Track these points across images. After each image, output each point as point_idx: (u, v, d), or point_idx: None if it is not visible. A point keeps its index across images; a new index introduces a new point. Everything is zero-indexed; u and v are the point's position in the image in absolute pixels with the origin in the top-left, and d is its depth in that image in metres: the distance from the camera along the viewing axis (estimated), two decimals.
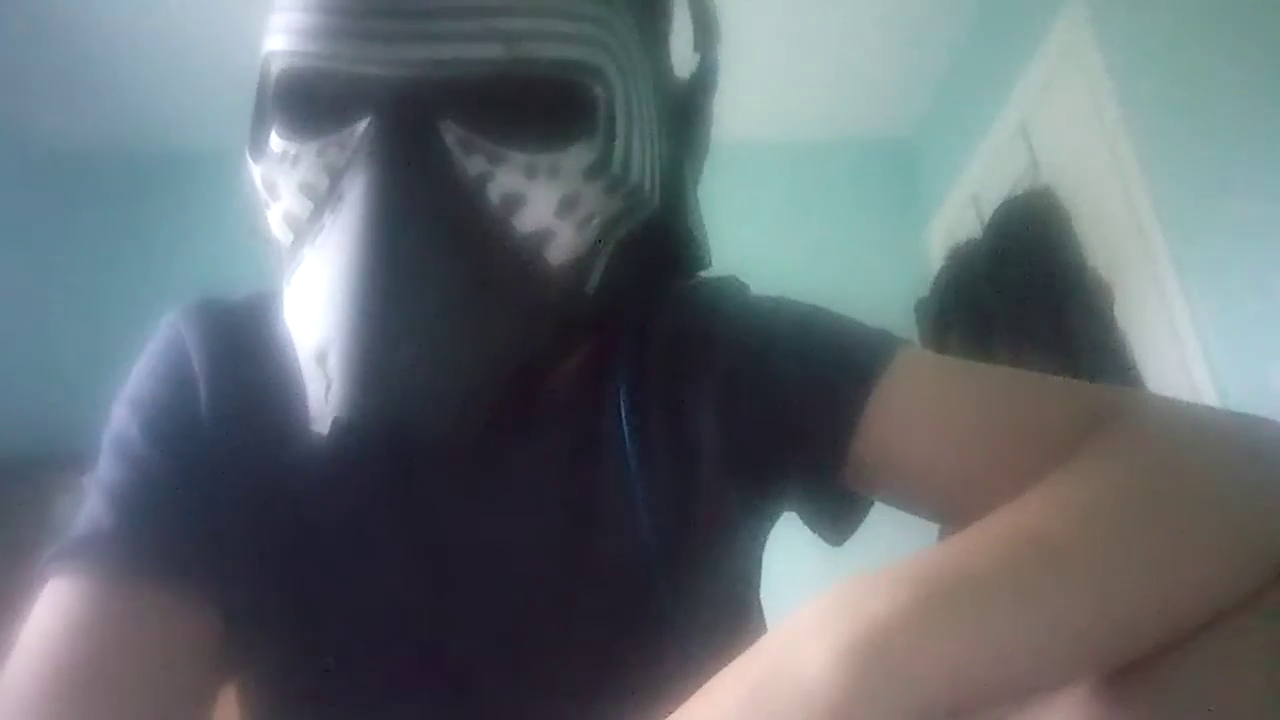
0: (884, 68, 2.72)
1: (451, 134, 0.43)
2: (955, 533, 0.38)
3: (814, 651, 0.30)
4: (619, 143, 0.46)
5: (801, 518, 0.58)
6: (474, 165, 0.44)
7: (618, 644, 0.53)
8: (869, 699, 0.29)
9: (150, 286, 2.31)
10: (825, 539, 0.58)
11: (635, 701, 0.39)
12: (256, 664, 0.53)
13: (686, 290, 0.60)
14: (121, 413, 0.52)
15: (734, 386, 0.55)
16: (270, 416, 0.50)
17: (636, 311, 0.58)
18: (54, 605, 0.46)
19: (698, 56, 0.54)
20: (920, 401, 0.51)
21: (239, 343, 0.53)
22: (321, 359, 0.42)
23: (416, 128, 0.43)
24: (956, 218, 2.65)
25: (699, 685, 0.33)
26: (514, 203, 0.44)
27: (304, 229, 0.45)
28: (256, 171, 0.48)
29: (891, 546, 0.61)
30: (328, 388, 0.42)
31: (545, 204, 0.45)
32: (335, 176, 0.44)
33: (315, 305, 0.43)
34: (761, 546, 0.61)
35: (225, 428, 0.51)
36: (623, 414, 0.54)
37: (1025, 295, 2.12)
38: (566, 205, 0.45)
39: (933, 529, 0.53)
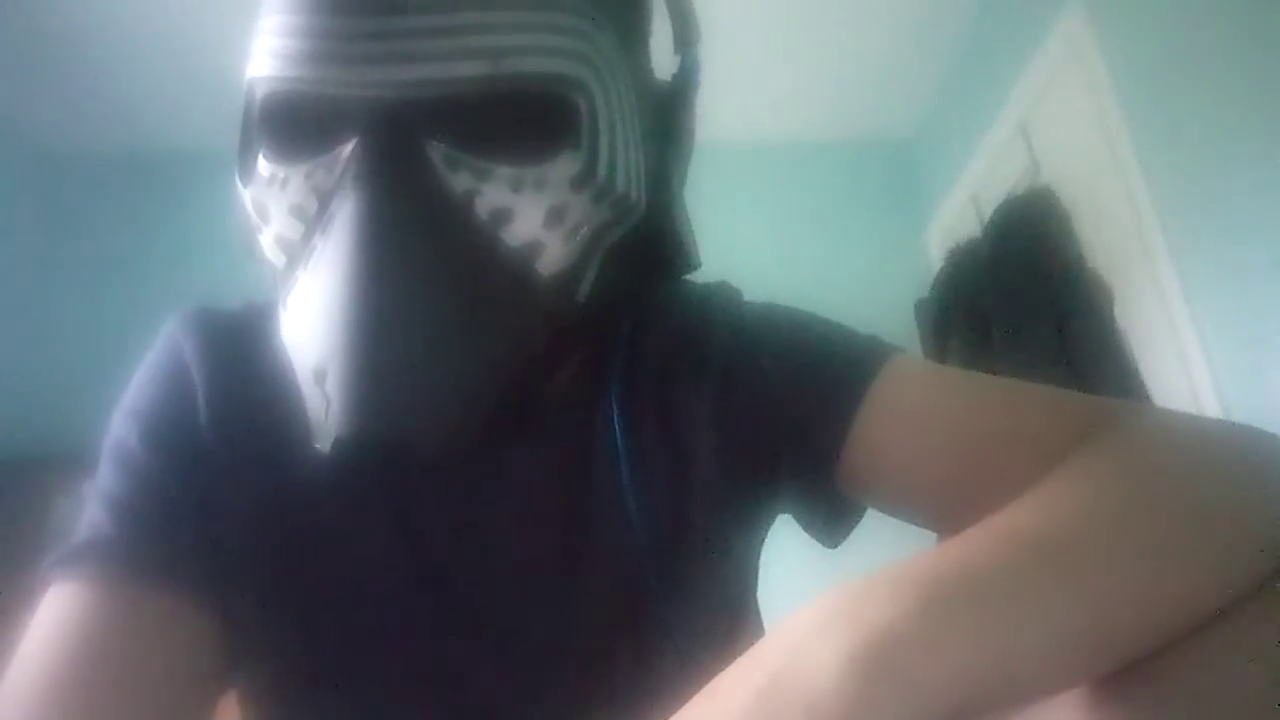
0: (884, 68, 2.72)
1: (437, 152, 0.44)
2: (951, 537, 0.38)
3: (819, 658, 0.30)
4: (603, 152, 0.47)
5: (797, 520, 0.58)
6: (461, 182, 0.44)
7: (615, 647, 0.53)
8: (875, 706, 0.29)
9: (150, 287, 2.33)
10: (820, 542, 0.58)
11: (633, 703, 0.40)
12: (257, 669, 0.53)
13: (679, 297, 0.60)
14: (121, 421, 0.53)
15: (727, 392, 0.55)
16: (269, 424, 0.50)
17: (629, 316, 0.58)
18: (55, 610, 0.46)
19: (678, 58, 0.54)
20: (912, 408, 0.51)
21: (237, 352, 0.53)
22: (320, 379, 0.43)
23: (402, 147, 0.43)
24: (956, 218, 2.65)
25: (697, 687, 0.33)
26: (502, 217, 0.45)
27: (296, 251, 0.46)
28: (246, 195, 0.48)
29: (888, 548, 0.61)
30: (327, 407, 0.42)
31: (533, 216, 0.45)
32: (324, 198, 0.44)
33: (311, 326, 0.44)
34: (758, 549, 0.62)
35: (224, 435, 0.52)
36: (615, 420, 0.54)
37: (1025, 295, 2.12)
38: (554, 216, 0.46)
39: (928, 531, 0.53)
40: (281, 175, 0.46)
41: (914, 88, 2.82)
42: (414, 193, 0.43)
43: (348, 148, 0.43)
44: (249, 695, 0.55)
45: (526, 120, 0.45)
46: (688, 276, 0.61)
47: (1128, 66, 1.91)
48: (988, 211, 2.39)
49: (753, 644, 0.33)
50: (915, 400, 0.51)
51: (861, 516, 0.57)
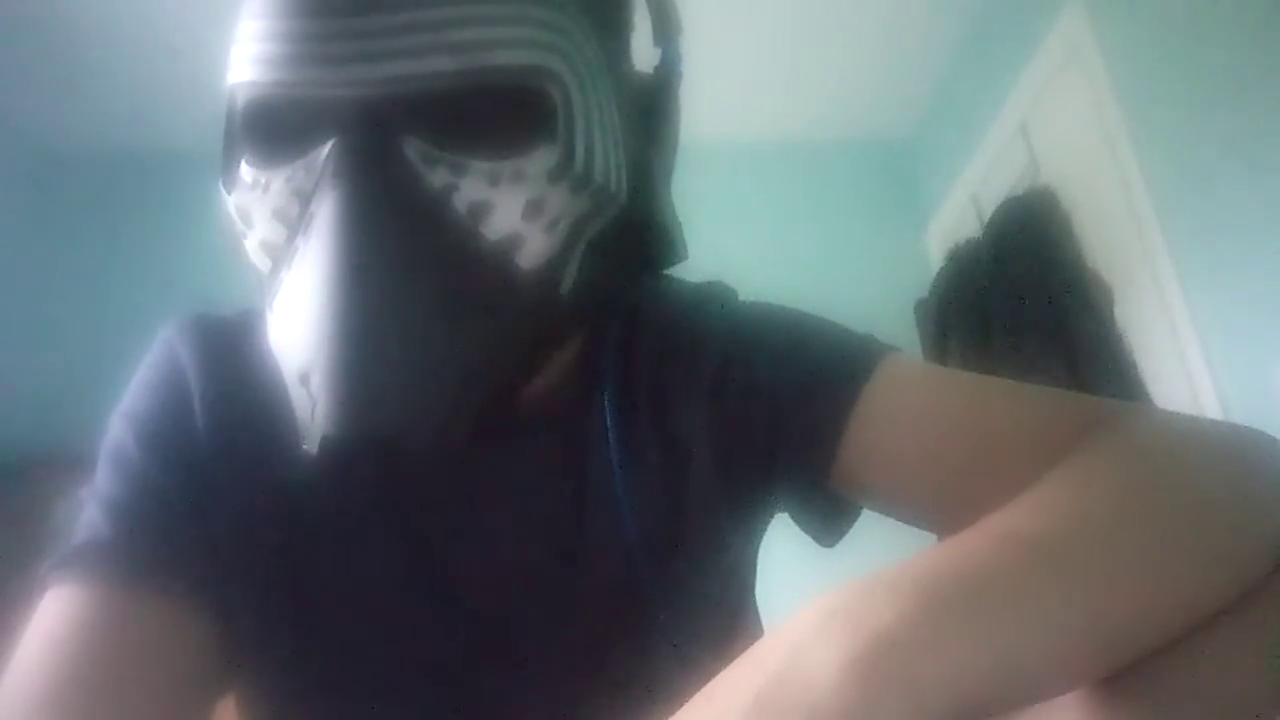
0: (884, 68, 2.72)
1: (413, 149, 0.44)
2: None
3: (818, 659, 0.30)
4: (580, 143, 0.47)
5: (793, 519, 0.59)
6: (438, 178, 0.44)
7: (613, 647, 0.53)
8: (874, 708, 0.29)
9: (150, 287, 2.33)
10: (817, 541, 0.58)
11: (631, 703, 0.39)
12: (254, 671, 0.53)
13: (674, 296, 0.60)
14: (118, 426, 0.53)
15: (722, 392, 0.55)
16: (265, 428, 0.50)
17: (619, 309, 0.58)
18: (53, 613, 0.46)
19: (659, 52, 0.55)
20: (906, 408, 0.51)
21: (234, 357, 0.53)
22: (305, 380, 0.43)
23: (378, 146, 0.43)
24: (956, 218, 2.65)
25: (696, 687, 0.33)
26: (481, 211, 0.45)
27: (280, 254, 0.46)
28: (230, 202, 0.48)
29: (885, 547, 0.61)
30: (313, 408, 0.42)
31: (512, 209, 0.45)
32: (304, 201, 0.44)
33: (296, 328, 0.44)
34: (756, 548, 0.62)
35: (221, 439, 0.52)
36: (608, 418, 0.54)
37: (1025, 295, 2.12)
38: (533, 209, 0.46)
39: (926, 531, 0.53)
40: (263, 180, 0.46)
41: (914, 88, 2.81)
42: (391, 190, 0.43)
43: (325, 149, 0.44)
44: (247, 697, 0.55)
45: (501, 113, 0.45)
46: (685, 276, 0.62)
47: (1128, 66, 1.91)
48: (988, 211, 2.39)
49: (751, 643, 0.33)
50: (910, 400, 0.51)
51: (858, 516, 0.57)
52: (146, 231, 2.61)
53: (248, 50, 0.45)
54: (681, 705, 0.33)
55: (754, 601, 0.64)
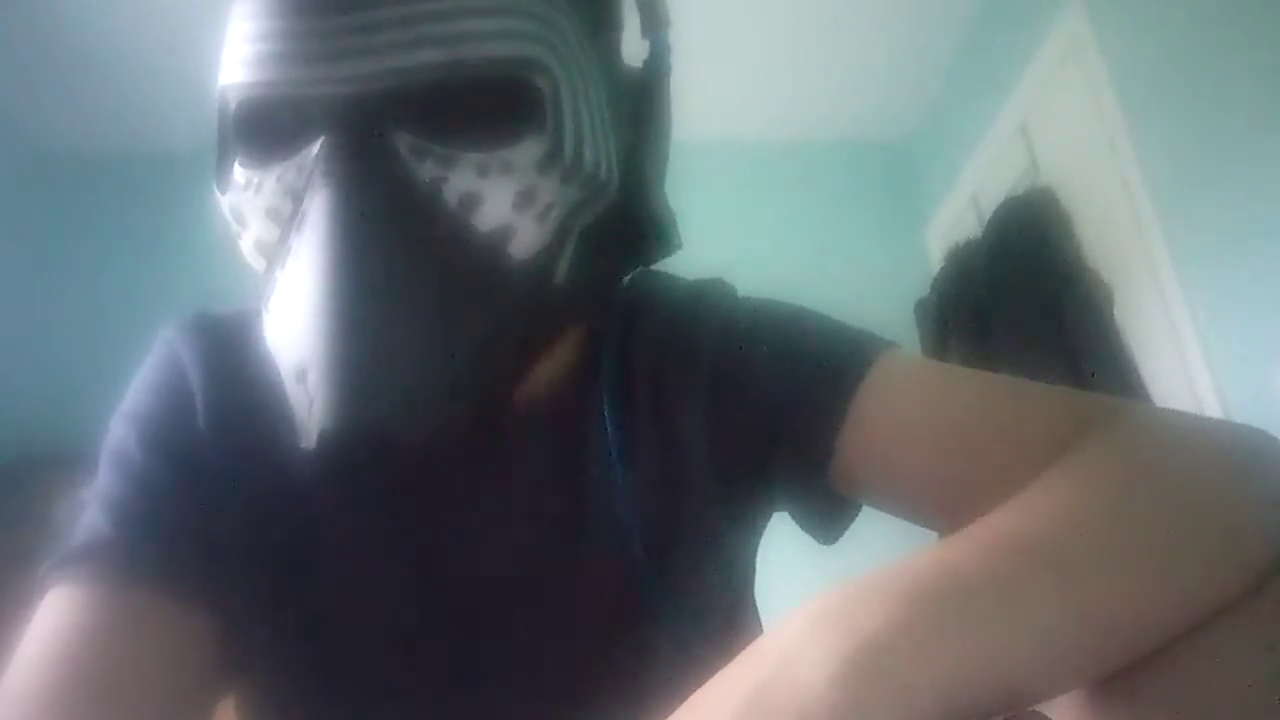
0: (884, 68, 2.72)
1: (403, 143, 0.44)
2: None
3: (808, 663, 0.30)
4: (568, 132, 0.47)
5: (792, 517, 0.58)
6: (428, 170, 0.44)
7: (612, 646, 0.53)
8: (864, 711, 0.29)
9: (149, 287, 2.32)
10: (817, 539, 0.58)
11: (630, 702, 0.39)
12: (254, 670, 0.53)
13: (671, 293, 0.60)
14: (119, 427, 0.53)
15: (719, 390, 0.55)
16: (266, 428, 0.50)
17: (616, 306, 0.58)
18: (54, 613, 0.46)
19: (648, 44, 0.55)
20: (903, 404, 0.51)
21: (234, 357, 0.53)
22: (302, 377, 0.43)
23: (368, 141, 0.44)
24: (956, 218, 2.65)
25: (694, 686, 0.33)
26: (471, 202, 0.45)
27: (274, 253, 0.46)
28: (224, 202, 0.49)
29: (885, 545, 0.61)
30: (310, 405, 0.42)
31: (502, 200, 0.45)
32: (296, 199, 0.45)
33: (291, 326, 0.44)
34: (755, 547, 0.61)
35: (222, 439, 0.52)
36: (607, 415, 0.54)
37: (1025, 295, 2.12)
38: (523, 199, 0.46)
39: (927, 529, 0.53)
40: (256, 180, 0.46)
41: (914, 88, 2.81)
42: (382, 184, 0.43)
43: (315, 146, 0.44)
44: (247, 698, 0.54)
45: (489, 105, 0.45)
46: (684, 276, 0.62)
47: (1128, 66, 1.91)
48: (988, 211, 2.39)
49: (750, 642, 0.33)
50: (906, 397, 0.51)
51: (857, 514, 0.57)
52: (145, 232, 2.60)
53: (237, 52, 0.45)
54: (680, 705, 0.33)
55: (753, 600, 0.64)
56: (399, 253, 0.43)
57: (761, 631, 0.49)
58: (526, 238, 0.46)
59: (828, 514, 0.56)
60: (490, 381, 0.46)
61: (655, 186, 0.55)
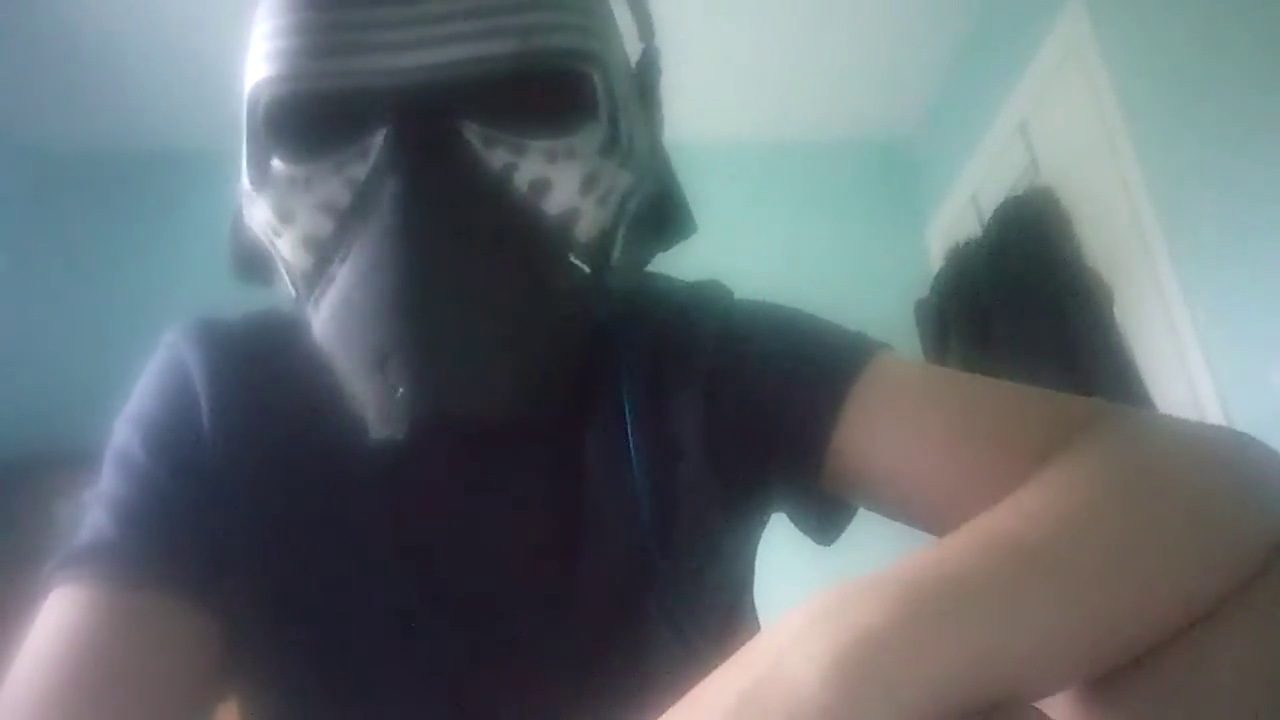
0: (884, 68, 2.72)
1: (472, 132, 0.45)
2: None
3: (802, 663, 0.30)
4: (621, 120, 0.49)
5: (789, 518, 0.59)
6: (498, 158, 0.46)
7: (613, 645, 0.53)
8: (857, 710, 0.29)
9: (150, 287, 2.33)
10: (814, 539, 0.58)
11: (629, 699, 0.40)
12: (257, 672, 0.53)
13: (668, 294, 0.61)
14: (124, 429, 0.53)
15: (714, 392, 0.55)
16: (271, 431, 0.51)
17: (615, 309, 0.59)
18: (57, 614, 0.46)
19: (641, 46, 0.57)
20: (896, 405, 0.51)
21: (239, 360, 0.54)
22: (381, 365, 0.44)
23: (437, 131, 0.44)
24: (956, 218, 2.65)
25: (693, 685, 0.33)
26: (541, 188, 0.47)
27: (328, 247, 0.46)
28: (262, 201, 0.48)
29: (883, 546, 0.61)
30: (392, 393, 0.44)
31: (570, 185, 0.47)
32: (356, 190, 0.45)
33: (364, 315, 0.45)
34: (754, 547, 0.62)
35: (227, 442, 0.52)
36: (628, 416, 0.54)
37: (1025, 295, 2.12)
38: (588, 184, 0.48)
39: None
40: (304, 175, 0.46)
41: (914, 87, 2.81)
42: (454, 172, 0.45)
43: (378, 136, 0.44)
44: (249, 698, 0.55)
45: (553, 94, 0.47)
46: (683, 275, 0.62)
47: (1128, 66, 1.91)
48: (988, 211, 2.39)
49: (748, 641, 0.34)
50: (898, 400, 0.51)
51: (854, 515, 0.57)
52: (147, 232, 2.61)
53: (276, 46, 0.45)
54: (678, 704, 0.33)
55: (752, 600, 0.64)
56: (475, 240, 0.45)
57: (760, 630, 0.49)
58: (591, 221, 0.49)
59: (824, 515, 0.56)
60: (562, 362, 0.48)
61: (671, 170, 0.58)
